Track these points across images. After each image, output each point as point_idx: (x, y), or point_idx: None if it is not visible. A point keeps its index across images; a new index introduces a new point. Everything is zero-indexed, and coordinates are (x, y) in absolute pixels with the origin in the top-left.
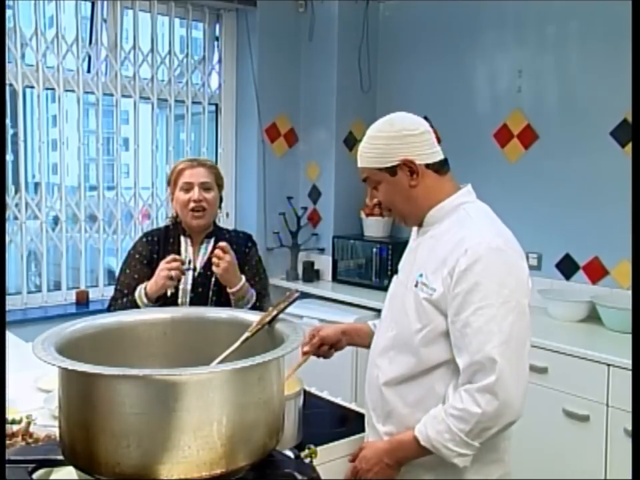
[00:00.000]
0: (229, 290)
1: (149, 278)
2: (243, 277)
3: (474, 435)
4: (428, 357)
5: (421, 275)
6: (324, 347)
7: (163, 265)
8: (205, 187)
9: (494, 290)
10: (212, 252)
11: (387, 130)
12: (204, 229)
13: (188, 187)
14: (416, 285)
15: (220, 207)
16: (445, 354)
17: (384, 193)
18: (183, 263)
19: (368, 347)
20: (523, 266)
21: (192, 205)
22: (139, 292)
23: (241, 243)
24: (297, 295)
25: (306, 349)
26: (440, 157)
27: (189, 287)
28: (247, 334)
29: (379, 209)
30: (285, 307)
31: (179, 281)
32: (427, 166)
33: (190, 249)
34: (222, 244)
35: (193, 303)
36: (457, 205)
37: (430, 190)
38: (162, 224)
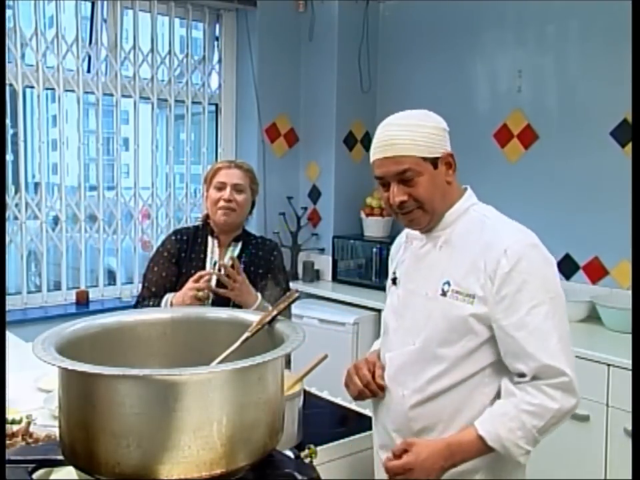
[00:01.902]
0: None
1: (175, 276)
2: (259, 295)
3: (543, 431)
4: (466, 368)
5: (447, 283)
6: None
7: (190, 283)
8: (237, 189)
9: (541, 286)
10: (239, 256)
11: (428, 121)
12: (231, 229)
13: (221, 186)
14: (443, 294)
15: (251, 212)
16: (484, 362)
17: (425, 186)
18: (209, 279)
19: None
20: (553, 259)
21: (222, 203)
22: (165, 303)
23: (267, 252)
24: (296, 295)
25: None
26: None
27: (213, 287)
28: (246, 334)
29: (400, 209)
30: (285, 307)
31: (205, 300)
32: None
33: (217, 250)
34: (230, 263)
35: (215, 303)
36: (466, 208)
37: (453, 189)
38: (191, 224)
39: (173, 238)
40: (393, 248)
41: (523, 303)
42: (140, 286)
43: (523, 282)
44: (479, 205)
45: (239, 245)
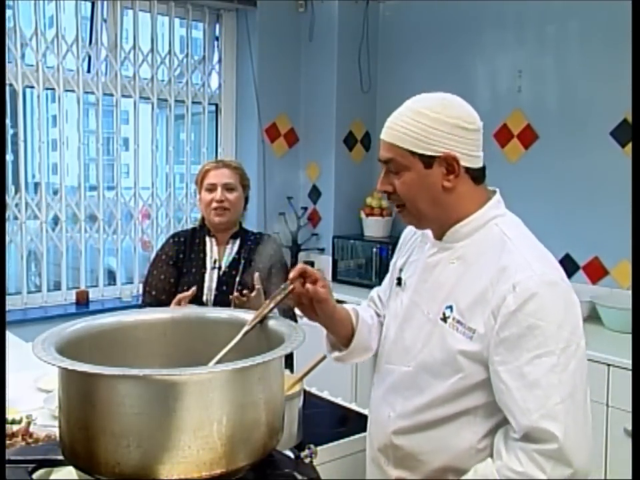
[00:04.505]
0: None
1: (175, 277)
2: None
3: None
4: (457, 405)
5: (449, 308)
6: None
7: (173, 305)
8: (228, 188)
9: (552, 333)
10: (238, 252)
11: (440, 111)
12: (227, 227)
13: (211, 188)
14: (444, 319)
15: (245, 208)
16: (478, 401)
17: (407, 184)
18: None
19: (342, 340)
20: (578, 301)
21: (214, 204)
22: None
23: (266, 246)
24: (291, 287)
25: (292, 274)
26: (481, 163)
27: (214, 285)
28: (246, 327)
29: (388, 199)
30: (282, 300)
31: (201, 283)
32: (467, 170)
33: (215, 248)
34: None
35: (217, 300)
36: (487, 220)
37: (461, 198)
38: (189, 225)
39: (171, 241)
40: (407, 234)
41: (525, 350)
42: (140, 287)
43: (529, 326)
44: (504, 217)
45: (237, 242)
